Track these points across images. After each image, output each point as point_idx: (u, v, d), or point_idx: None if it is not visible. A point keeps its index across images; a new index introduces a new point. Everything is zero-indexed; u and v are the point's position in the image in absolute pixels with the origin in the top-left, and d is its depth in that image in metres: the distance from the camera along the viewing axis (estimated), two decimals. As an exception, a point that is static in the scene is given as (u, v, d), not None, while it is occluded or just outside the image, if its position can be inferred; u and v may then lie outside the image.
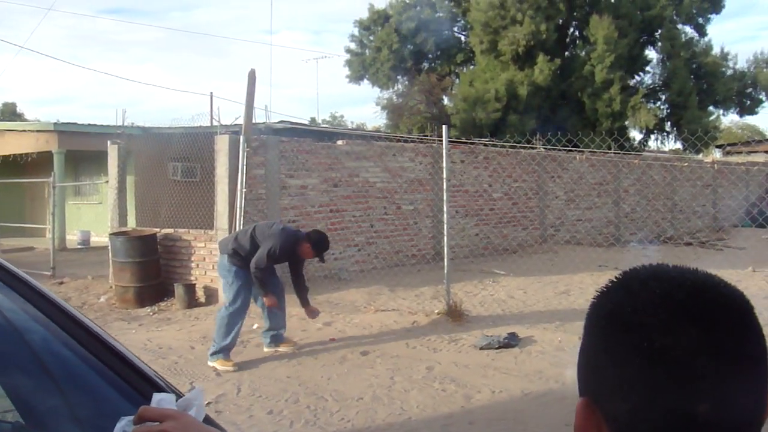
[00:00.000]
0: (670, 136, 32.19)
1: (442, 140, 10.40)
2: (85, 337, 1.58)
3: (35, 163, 22.51)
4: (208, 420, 1.37)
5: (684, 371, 0.86)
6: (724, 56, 31.22)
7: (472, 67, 32.21)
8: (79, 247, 21.03)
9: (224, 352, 7.92)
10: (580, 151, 17.16)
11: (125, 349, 1.62)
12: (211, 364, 7.86)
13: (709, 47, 30.87)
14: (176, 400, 1.33)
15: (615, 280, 0.99)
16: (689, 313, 0.89)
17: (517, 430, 5.88)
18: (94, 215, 22.88)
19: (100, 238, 19.35)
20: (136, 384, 1.56)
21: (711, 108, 31.45)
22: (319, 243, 8.05)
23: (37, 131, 22.01)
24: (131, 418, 1.28)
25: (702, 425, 0.85)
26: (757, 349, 0.91)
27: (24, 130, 22.91)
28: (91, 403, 1.62)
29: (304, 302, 8.42)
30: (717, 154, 34.59)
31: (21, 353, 1.70)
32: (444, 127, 10.43)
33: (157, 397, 1.31)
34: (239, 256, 8.06)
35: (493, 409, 6.45)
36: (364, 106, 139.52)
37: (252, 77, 11.39)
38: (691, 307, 0.89)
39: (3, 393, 1.70)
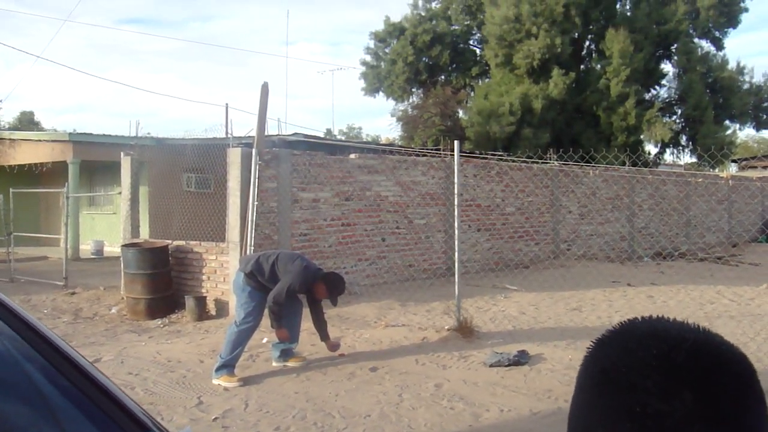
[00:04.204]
0: (686, 150, 32.05)
1: (454, 154, 10.38)
2: (70, 370, 1.56)
3: (50, 173, 22.68)
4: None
5: None
6: (741, 70, 31.08)
7: (487, 80, 32.18)
8: (92, 257, 21.16)
9: (228, 368, 7.90)
10: (593, 167, 17.12)
11: (113, 385, 1.59)
12: (215, 381, 7.82)
13: (725, 61, 30.72)
14: None
15: (612, 331, 0.94)
16: (686, 377, 0.83)
17: (524, 451, 5.83)
18: (108, 225, 23.00)
19: (114, 248, 19.43)
20: (122, 423, 1.54)
21: (727, 122, 31.31)
22: (334, 287, 8.13)
23: (53, 141, 22.18)
24: None
25: None
26: (756, 416, 0.86)
27: (39, 140, 23.07)
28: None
29: (324, 336, 8.51)
30: (733, 169, 34.43)
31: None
32: (456, 142, 10.41)
33: None
34: (256, 279, 8.06)
35: (500, 428, 6.39)
36: (381, 118, 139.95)
37: (265, 90, 11.41)
38: (689, 370, 0.84)
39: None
